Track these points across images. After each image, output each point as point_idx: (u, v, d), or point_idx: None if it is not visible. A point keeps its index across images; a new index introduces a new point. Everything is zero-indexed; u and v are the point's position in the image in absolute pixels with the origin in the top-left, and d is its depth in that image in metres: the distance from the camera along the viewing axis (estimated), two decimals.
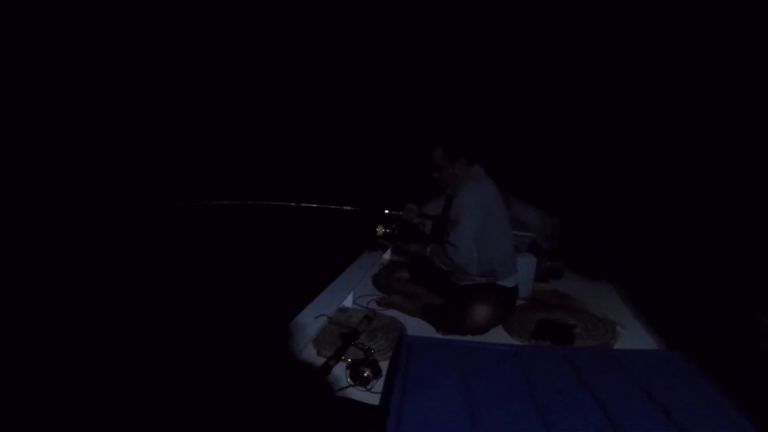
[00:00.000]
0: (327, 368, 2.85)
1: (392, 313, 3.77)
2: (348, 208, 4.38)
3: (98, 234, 6.45)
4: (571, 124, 7.63)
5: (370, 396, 2.68)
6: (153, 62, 8.99)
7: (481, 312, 3.39)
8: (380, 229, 4.01)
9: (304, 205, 4.49)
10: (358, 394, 2.71)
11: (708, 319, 3.70)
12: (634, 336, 3.62)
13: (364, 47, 9.33)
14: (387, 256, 4.91)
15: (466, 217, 3.39)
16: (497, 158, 3.90)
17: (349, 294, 3.96)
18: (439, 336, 3.45)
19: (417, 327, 3.58)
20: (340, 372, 2.86)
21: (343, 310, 3.71)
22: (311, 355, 3.10)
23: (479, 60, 8.57)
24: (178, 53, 9.09)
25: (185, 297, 4.71)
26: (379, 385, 2.74)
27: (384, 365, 2.92)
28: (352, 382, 2.75)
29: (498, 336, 3.49)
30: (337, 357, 2.95)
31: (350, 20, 9.25)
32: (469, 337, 3.38)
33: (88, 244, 6.16)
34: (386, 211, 4.15)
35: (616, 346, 3.46)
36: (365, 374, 2.73)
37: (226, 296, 4.70)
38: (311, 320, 3.43)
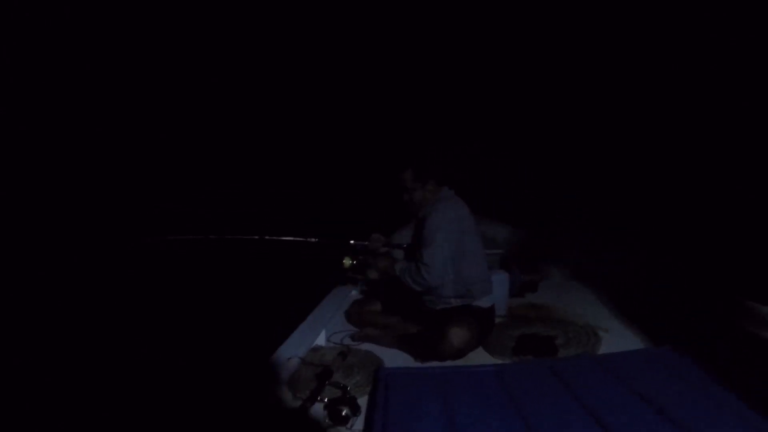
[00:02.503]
0: (304, 410, 2.70)
1: (368, 347, 3.62)
2: (313, 239, 4.26)
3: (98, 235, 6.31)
4: (567, 123, 7.63)
5: None
6: (153, 62, 8.87)
7: (457, 335, 3.26)
8: (347, 261, 3.88)
9: (268, 238, 4.36)
10: None
11: (695, 311, 3.63)
12: (618, 338, 3.55)
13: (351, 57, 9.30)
14: (357, 291, 4.79)
15: (439, 236, 3.31)
16: (496, 158, 3.83)
17: (321, 331, 3.81)
18: (418, 365, 3.31)
19: (394, 358, 3.42)
20: (317, 413, 2.70)
21: (316, 349, 3.56)
22: (287, 398, 2.94)
23: (471, 61, 8.57)
24: (178, 53, 8.97)
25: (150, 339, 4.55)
26: (359, 422, 2.61)
27: (363, 401, 2.79)
28: (331, 423, 2.60)
29: (479, 358, 3.36)
30: (313, 398, 2.79)
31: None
32: (449, 363, 3.26)
33: (87, 246, 6.01)
34: (352, 242, 4.04)
35: (601, 351, 3.37)
36: (343, 413, 2.58)
37: (192, 339, 4.52)
38: (283, 362, 3.28)
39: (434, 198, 3.51)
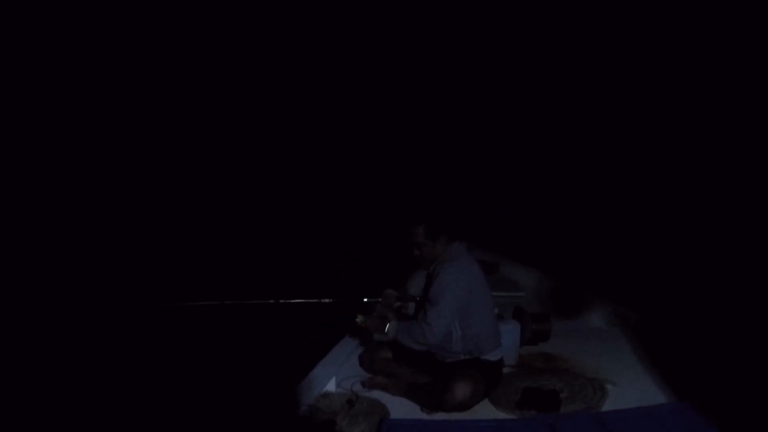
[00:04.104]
0: None
1: (377, 394, 3.68)
2: (327, 300, 4.36)
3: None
4: (567, 125, 7.59)
5: None
6: (153, 62, 8.97)
7: (461, 389, 3.33)
8: (360, 319, 3.94)
9: (282, 301, 4.48)
10: None
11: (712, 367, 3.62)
12: (629, 391, 3.57)
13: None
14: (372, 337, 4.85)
15: (446, 297, 3.38)
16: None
17: (332, 378, 3.87)
18: (423, 416, 3.37)
19: (401, 408, 3.49)
20: None
21: (325, 396, 3.62)
22: None
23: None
24: (178, 54, 9.08)
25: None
26: None
27: None
28: None
29: (484, 409, 3.42)
30: None
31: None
32: (455, 414, 3.32)
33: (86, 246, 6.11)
34: (365, 300, 4.12)
35: (609, 405, 3.40)
36: None
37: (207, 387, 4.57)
38: (293, 409, 3.36)
39: (445, 254, 3.56)
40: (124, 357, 5.05)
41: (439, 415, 3.34)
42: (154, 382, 4.66)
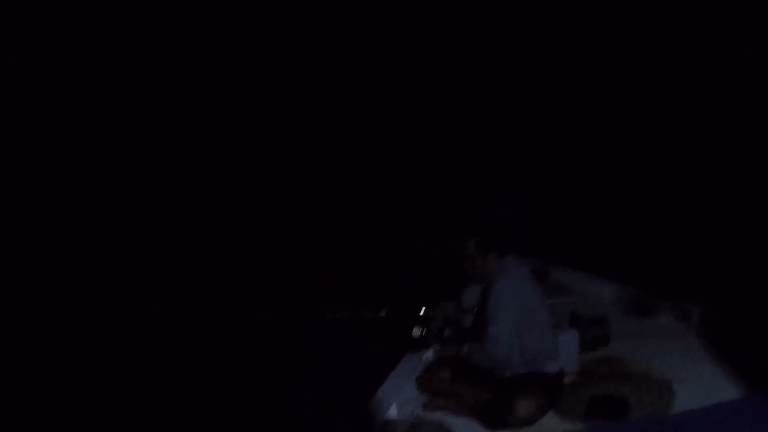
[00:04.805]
0: None
1: (439, 416, 3.64)
2: (383, 313, 4.35)
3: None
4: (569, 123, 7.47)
5: None
6: (152, 64, 9.02)
7: (524, 407, 3.31)
8: (416, 331, 3.94)
9: (339, 315, 4.48)
10: None
11: None
12: (700, 388, 3.46)
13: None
14: (430, 354, 4.80)
15: (503, 311, 3.36)
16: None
17: (392, 404, 3.84)
18: None
19: (466, 428, 3.47)
20: None
21: (387, 423, 3.60)
22: None
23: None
24: (178, 57, 9.13)
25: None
26: None
27: None
28: None
29: (550, 423, 3.37)
30: None
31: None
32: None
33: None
34: (422, 312, 4.11)
35: (678, 406, 3.32)
36: None
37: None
38: None
39: (498, 268, 3.53)
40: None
41: None
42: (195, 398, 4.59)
